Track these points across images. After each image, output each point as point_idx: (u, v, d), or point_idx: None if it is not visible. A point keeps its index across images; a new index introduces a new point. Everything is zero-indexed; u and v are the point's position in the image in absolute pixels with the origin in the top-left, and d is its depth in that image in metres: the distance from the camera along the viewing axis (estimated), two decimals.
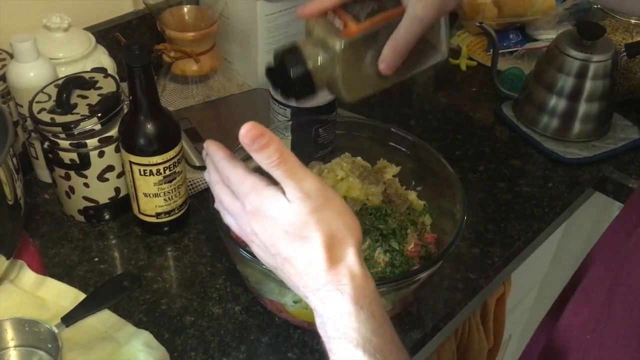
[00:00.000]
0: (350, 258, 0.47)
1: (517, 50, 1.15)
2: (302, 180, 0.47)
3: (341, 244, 0.47)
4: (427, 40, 0.62)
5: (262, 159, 0.46)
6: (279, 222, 0.47)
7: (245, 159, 0.74)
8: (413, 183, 0.78)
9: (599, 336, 0.46)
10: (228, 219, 0.53)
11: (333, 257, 0.47)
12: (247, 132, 0.45)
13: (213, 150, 0.52)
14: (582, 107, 0.95)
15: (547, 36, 1.15)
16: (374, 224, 0.70)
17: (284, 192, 0.47)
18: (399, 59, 0.59)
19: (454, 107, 1.05)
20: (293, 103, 0.68)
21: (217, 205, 0.54)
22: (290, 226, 0.47)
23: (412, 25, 0.57)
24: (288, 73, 0.59)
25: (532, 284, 1.17)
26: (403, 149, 0.77)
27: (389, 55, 0.59)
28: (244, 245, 0.62)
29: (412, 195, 0.77)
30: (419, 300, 0.73)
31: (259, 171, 0.49)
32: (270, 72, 0.61)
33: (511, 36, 1.16)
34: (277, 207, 0.47)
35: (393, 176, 0.78)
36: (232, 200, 0.51)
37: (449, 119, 1.03)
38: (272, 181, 0.48)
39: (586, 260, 0.62)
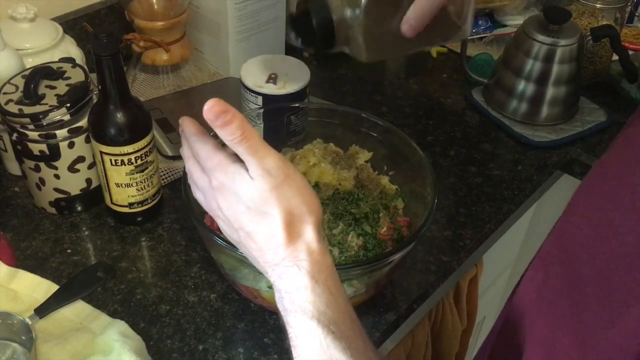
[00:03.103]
0: (309, 234, 0.49)
1: (486, 36, 1.17)
2: (264, 157, 0.48)
3: (300, 221, 0.48)
4: (450, 15, 0.63)
5: (225, 135, 0.47)
6: (242, 198, 0.49)
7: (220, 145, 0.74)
8: (385, 168, 0.79)
9: (542, 292, 0.48)
10: (197, 194, 0.55)
11: (292, 233, 0.48)
12: (210, 108, 0.46)
13: (186, 126, 0.53)
14: (550, 91, 0.97)
15: (515, 22, 1.17)
16: (347, 208, 0.71)
17: (246, 170, 0.48)
18: (423, 20, 0.59)
19: (425, 93, 1.06)
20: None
21: (189, 180, 0.56)
22: (251, 202, 0.48)
23: None
24: (311, 21, 0.59)
25: (504, 266, 1.19)
26: (375, 135, 0.78)
27: (412, 17, 0.59)
28: (218, 233, 0.63)
29: (385, 180, 0.78)
30: (392, 283, 0.74)
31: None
32: (294, 19, 0.62)
33: (480, 22, 1.17)
34: (240, 183, 0.49)
35: (365, 161, 0.79)
36: (200, 175, 0.52)
37: (420, 105, 1.04)
38: (240, 159, 0.49)
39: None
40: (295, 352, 0.48)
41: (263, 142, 0.48)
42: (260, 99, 0.84)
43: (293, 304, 0.47)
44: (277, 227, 0.48)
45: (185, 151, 0.55)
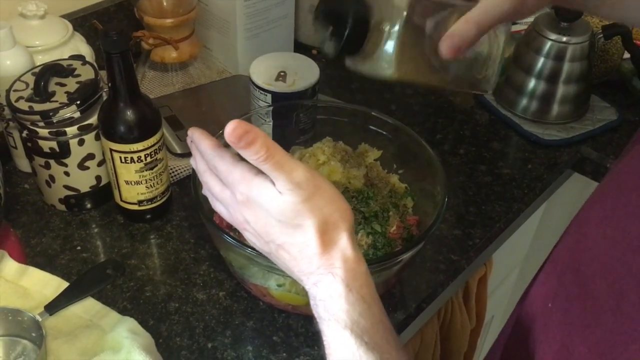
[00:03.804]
0: (343, 242, 0.48)
1: None
2: (292, 171, 0.47)
3: (334, 229, 0.48)
4: (479, 68, 0.60)
5: (249, 155, 0.46)
6: (271, 212, 0.48)
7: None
8: (394, 166, 0.79)
9: (555, 299, 0.47)
10: (218, 207, 0.54)
11: (326, 241, 0.48)
12: (232, 130, 0.45)
13: (198, 139, 0.52)
14: (560, 89, 0.96)
15: (525, 19, 1.16)
16: (356, 207, 0.71)
17: (269, 185, 0.48)
18: (467, 39, 0.54)
19: (435, 91, 1.05)
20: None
21: (205, 192, 0.55)
22: (282, 215, 0.48)
23: (486, 7, 0.54)
24: (344, 17, 0.54)
25: (513, 265, 1.19)
26: (384, 133, 0.77)
27: (457, 32, 0.53)
28: (227, 231, 0.63)
29: (394, 179, 0.77)
30: (401, 282, 0.74)
31: None
32: (323, 9, 0.56)
33: None
34: (268, 197, 0.48)
35: (375, 160, 0.79)
36: (221, 189, 0.52)
37: (429, 103, 1.03)
38: (262, 171, 0.49)
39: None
40: None
41: (288, 156, 0.48)
42: (269, 97, 0.84)
43: (327, 312, 0.47)
44: (311, 236, 0.47)
45: (199, 165, 0.54)
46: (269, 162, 0.46)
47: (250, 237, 0.52)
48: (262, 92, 0.84)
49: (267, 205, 0.48)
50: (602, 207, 0.45)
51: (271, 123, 0.79)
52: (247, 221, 0.50)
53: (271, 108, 0.80)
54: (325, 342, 0.48)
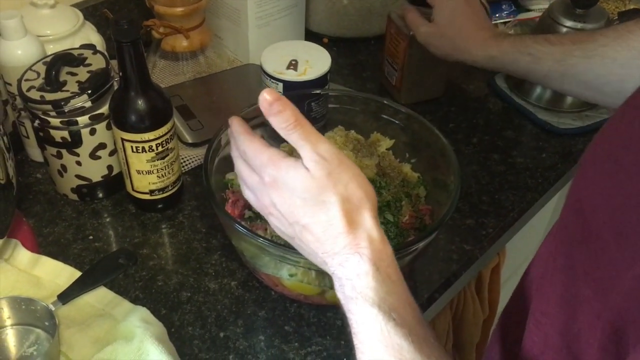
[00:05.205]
0: (368, 222, 0.49)
1: (509, 21, 1.14)
2: (317, 143, 0.48)
3: (358, 208, 0.48)
4: None
5: (279, 122, 0.48)
6: (297, 190, 0.49)
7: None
8: (407, 155, 0.78)
9: (558, 248, 0.49)
10: (247, 194, 0.54)
11: (351, 220, 0.48)
12: (264, 97, 0.48)
13: (234, 125, 0.54)
14: None
15: (539, 6, 1.14)
16: None
17: (300, 162, 0.49)
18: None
19: (448, 80, 1.04)
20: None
21: (239, 180, 0.56)
22: (308, 192, 0.48)
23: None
24: None
25: (526, 255, 1.18)
26: (396, 122, 0.77)
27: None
28: (239, 220, 0.63)
29: (406, 168, 0.77)
30: (414, 271, 0.74)
31: None
32: None
33: (504, 7, 1.15)
34: (295, 175, 0.49)
35: (387, 149, 0.78)
36: (250, 173, 0.52)
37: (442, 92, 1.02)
38: (289, 155, 0.50)
39: None
40: (356, 339, 0.47)
41: (314, 130, 0.49)
42: (280, 86, 0.83)
43: (354, 291, 0.47)
44: (335, 214, 0.48)
45: (233, 151, 0.55)
46: (298, 130, 0.48)
47: (274, 222, 0.52)
48: (273, 80, 0.83)
49: (292, 184, 0.49)
50: (600, 148, 0.46)
51: None
52: (273, 203, 0.51)
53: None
54: (351, 321, 0.48)
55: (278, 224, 0.52)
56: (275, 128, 0.49)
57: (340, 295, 0.49)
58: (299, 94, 0.81)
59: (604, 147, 0.45)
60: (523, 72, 0.81)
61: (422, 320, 0.48)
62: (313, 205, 0.48)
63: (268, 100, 0.48)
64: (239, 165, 0.54)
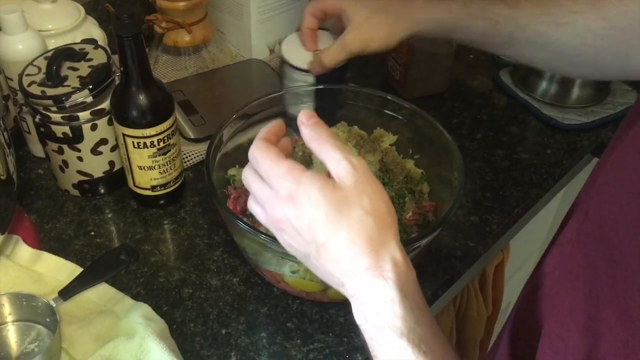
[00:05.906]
0: (392, 245, 0.46)
1: None
2: (348, 152, 0.48)
3: (382, 227, 0.46)
4: None
5: (314, 132, 0.48)
6: (320, 205, 0.46)
7: (243, 128, 0.73)
8: (410, 151, 0.77)
9: (575, 268, 0.46)
10: (254, 207, 0.51)
11: (374, 239, 0.45)
12: (304, 112, 0.49)
13: (261, 132, 0.52)
14: None
15: None
16: None
17: (324, 175, 0.47)
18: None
19: (452, 75, 1.03)
20: None
21: (246, 186, 0.52)
22: (331, 206, 0.46)
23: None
24: None
25: (530, 251, 1.17)
26: (400, 117, 0.76)
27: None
28: (241, 217, 0.62)
29: (410, 164, 0.76)
30: (417, 268, 0.73)
31: None
32: None
33: None
34: (318, 187, 0.46)
35: (390, 145, 0.78)
36: (260, 186, 0.49)
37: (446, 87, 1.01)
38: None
39: None
40: None
41: (341, 142, 0.49)
42: (310, 77, 0.82)
43: (380, 319, 0.45)
44: (358, 232, 0.45)
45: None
46: (330, 141, 0.47)
47: (286, 239, 0.49)
48: (302, 72, 0.82)
49: (316, 198, 0.46)
50: (619, 168, 0.43)
51: (312, 104, 0.77)
52: (287, 218, 0.47)
53: (314, 88, 0.78)
54: (376, 350, 0.45)
55: (291, 241, 0.48)
56: (306, 139, 0.48)
57: (360, 320, 0.46)
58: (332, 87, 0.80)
59: (629, 160, 0.42)
60: (477, 38, 0.73)
61: (449, 350, 0.46)
62: (335, 220, 0.45)
63: (307, 114, 0.49)
64: (248, 176, 0.50)
